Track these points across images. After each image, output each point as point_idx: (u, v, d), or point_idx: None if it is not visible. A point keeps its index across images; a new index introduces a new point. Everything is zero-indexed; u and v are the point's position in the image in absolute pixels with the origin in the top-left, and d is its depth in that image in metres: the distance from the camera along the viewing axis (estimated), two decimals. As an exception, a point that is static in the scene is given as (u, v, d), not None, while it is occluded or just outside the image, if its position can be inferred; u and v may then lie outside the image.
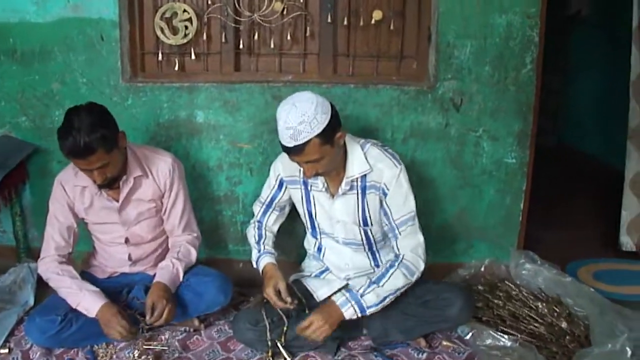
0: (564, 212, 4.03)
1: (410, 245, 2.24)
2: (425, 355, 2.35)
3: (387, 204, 2.25)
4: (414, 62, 2.73)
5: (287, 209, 2.55)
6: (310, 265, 2.59)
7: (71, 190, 2.40)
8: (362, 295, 2.17)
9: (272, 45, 2.70)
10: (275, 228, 2.56)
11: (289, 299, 2.28)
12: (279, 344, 2.30)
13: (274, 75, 2.71)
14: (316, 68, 2.75)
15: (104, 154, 2.15)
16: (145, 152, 2.44)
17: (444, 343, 2.43)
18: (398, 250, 2.25)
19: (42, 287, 2.60)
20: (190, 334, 2.50)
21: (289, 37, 2.70)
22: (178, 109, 2.72)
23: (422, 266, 2.24)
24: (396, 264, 2.22)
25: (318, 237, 2.48)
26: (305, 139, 2.03)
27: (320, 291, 2.43)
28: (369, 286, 2.19)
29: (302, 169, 2.20)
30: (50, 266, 2.39)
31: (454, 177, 2.76)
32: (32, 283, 2.71)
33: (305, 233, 2.60)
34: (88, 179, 2.30)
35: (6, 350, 2.37)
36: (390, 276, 2.20)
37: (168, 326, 2.46)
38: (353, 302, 2.17)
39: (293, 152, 2.08)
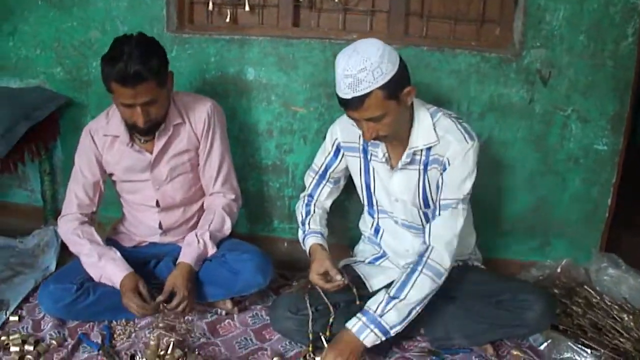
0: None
1: (445, 238, 1.90)
2: (491, 364, 2.03)
3: (441, 179, 1.92)
4: (496, 28, 2.39)
5: (342, 182, 2.26)
6: (364, 250, 2.29)
7: (100, 140, 2.18)
8: (381, 316, 1.85)
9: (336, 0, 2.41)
10: (328, 204, 2.27)
11: (338, 277, 1.99)
12: (322, 338, 2.00)
13: (336, 34, 2.42)
14: (385, 27, 2.45)
15: (154, 88, 1.95)
16: (184, 98, 2.21)
17: (514, 352, 2.10)
18: (429, 238, 1.91)
19: (66, 252, 2.37)
20: (220, 317, 2.25)
21: (356, -9, 2.40)
22: (227, 63, 2.46)
23: (449, 265, 1.90)
24: (419, 267, 1.88)
25: (376, 216, 2.18)
26: (366, 90, 1.73)
27: (374, 280, 2.13)
28: (387, 302, 1.86)
29: (361, 131, 1.89)
30: (70, 226, 2.19)
31: (535, 161, 2.43)
32: (55, 247, 2.53)
33: (361, 213, 2.31)
34: (120, 128, 2.11)
35: (16, 318, 2.19)
36: (413, 284, 1.86)
37: (197, 306, 2.22)
38: (372, 327, 1.85)
39: (351, 105, 1.78)
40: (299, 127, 2.50)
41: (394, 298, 1.85)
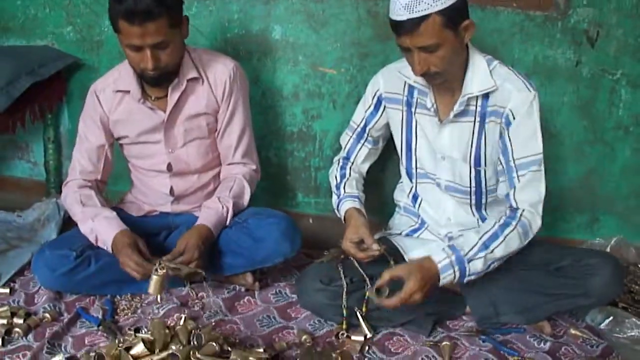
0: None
1: (531, 199, 1.75)
2: (548, 344, 1.82)
3: (509, 137, 1.75)
4: (539, -13, 2.26)
5: (380, 145, 2.09)
6: (400, 222, 2.10)
7: (108, 99, 2.00)
8: (470, 261, 1.68)
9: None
10: (365, 168, 2.09)
11: (375, 246, 1.79)
12: (358, 314, 1.81)
13: (369, -10, 2.28)
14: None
15: (165, 27, 1.77)
16: (202, 54, 2.02)
17: (572, 332, 1.89)
18: (515, 202, 1.75)
19: (70, 224, 2.15)
20: (239, 294, 2.04)
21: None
22: (251, 21, 2.30)
23: (538, 226, 1.76)
24: (513, 222, 1.72)
25: (414, 180, 1.99)
26: (424, 12, 1.58)
27: (413, 252, 1.93)
28: (480, 250, 1.69)
29: (412, 62, 1.70)
30: (69, 191, 2.00)
31: (583, 129, 2.27)
32: (57, 220, 2.33)
33: (395, 185, 2.13)
34: (132, 83, 1.94)
35: (7, 290, 1.97)
36: (504, 239, 1.71)
37: (212, 281, 2.02)
38: (456, 269, 1.68)
39: (404, 29, 1.61)
40: (328, 91, 2.33)
41: (485, 247, 1.69)
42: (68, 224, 2.24)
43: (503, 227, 1.72)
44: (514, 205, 1.75)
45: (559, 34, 2.19)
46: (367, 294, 1.75)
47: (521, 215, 1.73)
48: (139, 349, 1.44)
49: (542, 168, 1.76)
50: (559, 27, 2.19)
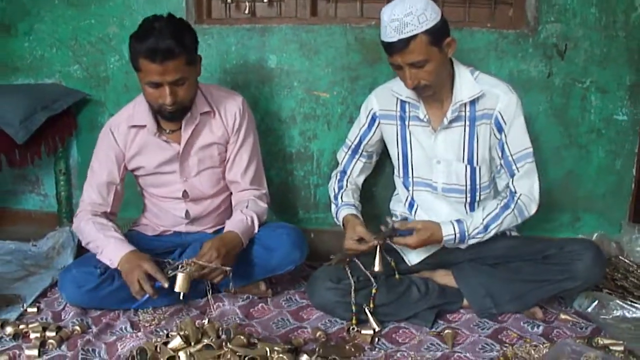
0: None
1: (527, 185, 1.99)
2: (541, 328, 1.96)
3: (504, 137, 1.96)
4: (509, 9, 2.45)
5: (374, 159, 2.26)
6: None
7: (123, 135, 2.09)
8: (470, 238, 1.98)
9: (353, -13, 2.46)
10: (360, 180, 2.25)
11: (375, 237, 1.94)
12: (366, 309, 1.95)
13: (355, 21, 2.44)
14: (401, 12, 2.48)
15: (183, 65, 1.88)
16: (212, 90, 2.15)
17: (562, 317, 2.04)
18: (514, 187, 1.98)
19: (84, 251, 2.20)
20: (253, 302, 2.15)
21: (371, -22, 2.45)
22: (248, 51, 2.46)
23: (534, 210, 2.01)
24: (512, 205, 1.98)
25: (410, 188, 2.15)
26: (412, 33, 1.79)
27: (412, 254, 2.09)
28: (479, 232, 1.98)
29: (404, 77, 1.89)
30: (81, 218, 2.08)
31: (559, 134, 2.44)
32: (72, 247, 2.43)
33: (390, 196, 2.30)
34: (147, 117, 2.04)
35: (34, 309, 2.03)
36: (502, 220, 1.98)
37: (225, 292, 2.13)
38: (457, 241, 1.97)
39: (396, 48, 1.82)
40: (322, 112, 2.49)
41: (485, 229, 1.97)
42: (82, 250, 2.27)
43: (503, 208, 1.97)
44: (512, 190, 1.99)
45: (530, 49, 2.37)
46: (392, 224, 1.97)
47: (518, 199, 1.97)
48: (176, 342, 1.54)
49: (534, 160, 1.99)
50: (530, 42, 2.37)
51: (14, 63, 2.61)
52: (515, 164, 1.97)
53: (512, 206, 1.96)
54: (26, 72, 2.60)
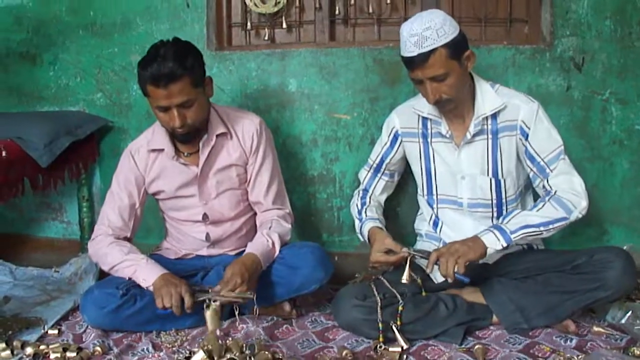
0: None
1: (566, 182, 1.93)
2: (574, 342, 1.90)
3: (530, 145, 1.96)
4: (524, 27, 2.50)
5: (396, 177, 2.26)
6: (423, 247, 2.19)
7: (143, 159, 2.12)
8: (503, 222, 1.90)
9: (370, 10, 2.51)
10: (382, 199, 2.25)
11: (404, 249, 1.93)
12: (393, 327, 1.90)
13: (373, 44, 2.49)
14: (418, 33, 2.52)
15: (189, 87, 1.90)
16: (228, 112, 2.18)
17: (595, 329, 1.97)
18: (549, 186, 1.94)
19: (105, 277, 2.21)
20: (278, 323, 2.12)
21: (388, 2, 2.50)
22: (268, 76, 2.50)
23: (583, 204, 1.90)
24: (546, 198, 1.92)
25: (435, 205, 2.14)
26: (431, 47, 1.81)
27: (438, 272, 2.02)
28: (520, 228, 1.88)
29: (425, 92, 1.90)
30: (101, 242, 2.07)
31: (581, 147, 2.42)
32: (94, 272, 2.42)
33: (414, 216, 2.29)
34: (165, 141, 2.06)
35: (55, 332, 2.04)
36: (539, 210, 1.90)
37: (249, 314, 2.07)
38: (494, 230, 1.88)
39: (415, 63, 1.84)
40: (343, 135, 2.50)
41: (519, 214, 1.91)
42: (104, 275, 2.26)
43: (537, 204, 1.93)
44: (548, 189, 1.94)
45: (548, 63, 2.39)
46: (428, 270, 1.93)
47: (555, 193, 1.91)
48: (199, 357, 1.52)
49: (567, 158, 1.95)
50: (547, 57, 2.39)
51: (39, 92, 2.68)
52: (548, 167, 1.94)
53: (547, 199, 1.90)
54: (51, 100, 2.66)
